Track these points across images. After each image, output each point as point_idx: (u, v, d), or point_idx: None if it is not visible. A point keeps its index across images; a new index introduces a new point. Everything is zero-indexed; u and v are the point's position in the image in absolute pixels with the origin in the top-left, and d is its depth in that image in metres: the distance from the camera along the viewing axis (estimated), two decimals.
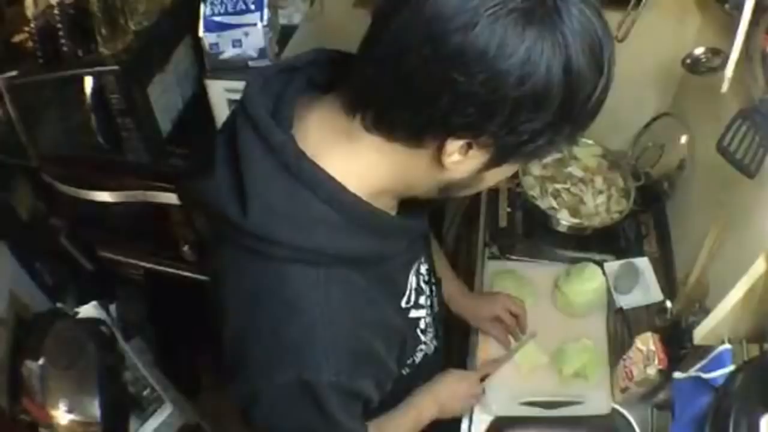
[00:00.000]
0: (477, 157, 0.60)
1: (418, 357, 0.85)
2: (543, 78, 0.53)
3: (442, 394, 1.00)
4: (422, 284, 0.82)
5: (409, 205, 0.72)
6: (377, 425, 0.85)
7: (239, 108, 0.65)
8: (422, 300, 0.82)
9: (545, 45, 0.53)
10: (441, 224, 1.82)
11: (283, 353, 0.63)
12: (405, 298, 0.77)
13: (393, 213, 0.70)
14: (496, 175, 0.65)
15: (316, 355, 0.62)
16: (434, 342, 0.91)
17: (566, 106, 0.56)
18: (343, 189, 0.62)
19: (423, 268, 0.84)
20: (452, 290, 1.18)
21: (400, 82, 0.56)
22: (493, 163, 0.61)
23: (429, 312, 0.86)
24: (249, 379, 0.66)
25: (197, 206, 1.32)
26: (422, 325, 0.82)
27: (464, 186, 0.65)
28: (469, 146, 0.58)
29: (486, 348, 1.23)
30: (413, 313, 0.79)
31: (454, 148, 0.58)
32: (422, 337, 0.83)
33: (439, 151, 0.59)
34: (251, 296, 0.65)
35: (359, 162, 0.63)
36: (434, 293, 0.89)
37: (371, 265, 0.67)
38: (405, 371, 0.83)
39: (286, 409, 0.66)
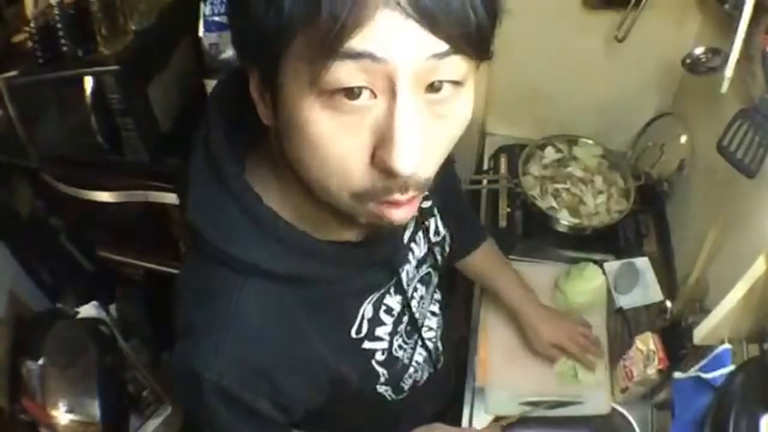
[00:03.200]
0: (264, 95, 0.53)
1: (407, 384, 0.82)
2: None
3: None
4: (383, 315, 0.76)
5: (384, 230, 0.67)
6: None
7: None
8: (381, 332, 0.76)
9: None
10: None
11: (185, 332, 0.64)
12: (355, 328, 0.72)
13: (353, 233, 0.67)
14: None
15: (208, 349, 0.62)
16: (429, 369, 0.88)
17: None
18: (258, 201, 0.60)
19: (391, 300, 0.76)
20: (518, 293, 1.15)
21: None
22: (273, 88, 0.51)
23: (404, 345, 0.81)
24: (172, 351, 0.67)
25: None
26: (381, 356, 0.77)
27: (298, 146, 0.52)
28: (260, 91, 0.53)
29: (486, 346, 1.23)
30: (367, 345, 0.74)
31: (254, 92, 0.54)
32: (380, 369, 0.77)
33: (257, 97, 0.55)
34: (182, 280, 0.68)
35: (279, 171, 0.61)
36: (429, 325, 0.86)
37: (298, 286, 0.64)
38: (390, 397, 0.80)
39: (176, 385, 0.67)
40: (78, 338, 1.51)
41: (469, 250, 1.12)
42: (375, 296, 0.74)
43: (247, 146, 0.63)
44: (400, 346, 0.80)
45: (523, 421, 1.14)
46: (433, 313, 0.88)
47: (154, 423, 1.59)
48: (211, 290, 0.63)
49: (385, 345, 0.77)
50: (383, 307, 0.76)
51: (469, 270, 1.16)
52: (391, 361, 0.78)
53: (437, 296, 0.90)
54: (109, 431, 1.48)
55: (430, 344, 0.87)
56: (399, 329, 0.79)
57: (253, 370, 0.63)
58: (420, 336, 0.85)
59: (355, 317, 0.72)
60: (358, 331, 0.72)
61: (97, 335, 1.55)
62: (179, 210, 1.43)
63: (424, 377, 0.87)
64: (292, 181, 0.57)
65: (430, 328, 0.88)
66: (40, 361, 1.46)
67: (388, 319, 0.76)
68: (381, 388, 0.79)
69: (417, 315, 0.83)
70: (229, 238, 0.61)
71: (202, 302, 0.64)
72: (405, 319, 0.80)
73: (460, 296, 1.36)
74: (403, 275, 0.78)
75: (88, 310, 1.63)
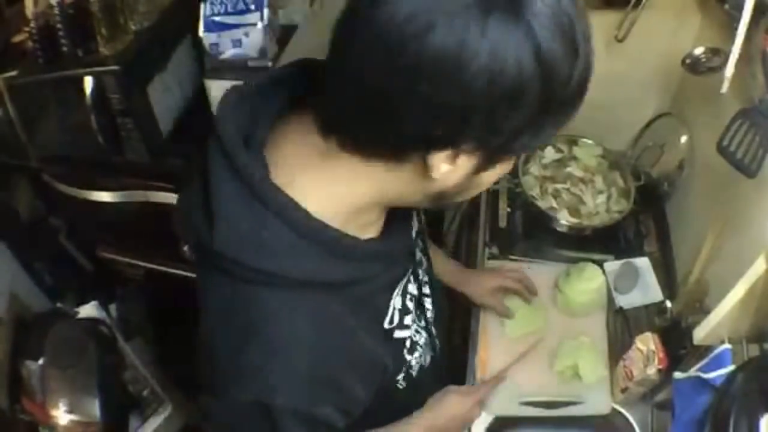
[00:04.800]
0: (465, 164, 0.57)
1: (414, 370, 0.84)
2: (514, 73, 0.49)
3: (440, 419, 0.97)
4: (408, 303, 0.79)
5: (395, 215, 0.70)
6: None
7: (214, 123, 0.63)
8: (408, 320, 0.79)
9: (510, 36, 0.48)
10: (441, 224, 1.82)
11: (243, 374, 0.62)
12: (387, 320, 0.74)
13: (373, 228, 0.68)
14: (492, 176, 0.62)
15: (275, 379, 0.61)
16: (429, 354, 0.89)
17: (544, 96, 0.51)
18: (306, 214, 0.59)
19: (411, 287, 0.80)
20: (450, 267, 1.19)
21: (364, 102, 0.54)
22: (483, 166, 0.58)
23: (421, 327, 0.84)
24: (210, 393, 0.66)
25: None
26: (408, 344, 0.80)
27: (459, 192, 0.62)
28: (455, 155, 0.55)
29: (486, 346, 1.23)
30: (398, 334, 0.77)
31: (438, 160, 0.55)
32: (408, 357, 0.81)
33: (423, 166, 0.56)
34: (219, 314, 0.65)
35: (337, 183, 0.61)
36: (426, 307, 0.87)
37: (343, 289, 0.65)
38: (401, 386, 0.82)
39: (241, 427, 0.66)
40: (78, 338, 1.51)
41: None
42: (401, 286, 0.77)
43: (263, 155, 0.62)
44: (416, 331, 0.82)
45: (523, 421, 1.14)
46: (427, 295, 0.90)
47: (154, 423, 1.59)
48: (258, 317, 0.62)
49: (411, 332, 0.80)
50: (407, 296, 0.79)
51: None
52: (413, 347, 0.81)
53: (426, 278, 0.91)
54: (109, 431, 1.48)
55: (431, 327, 0.89)
56: (416, 315, 0.82)
57: (320, 382, 0.64)
58: (425, 318, 0.86)
59: (388, 309, 0.74)
60: (391, 322, 0.75)
61: (97, 335, 1.55)
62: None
63: (428, 361, 0.89)
64: (362, 190, 0.61)
65: (429, 310, 0.90)
66: (40, 361, 1.46)
67: (411, 307, 0.79)
68: (399, 376, 0.81)
69: (423, 299, 0.86)
70: (277, 256, 0.59)
71: (251, 336, 0.62)
72: (427, 302, 0.84)
73: (460, 296, 1.35)
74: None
75: (88, 310, 1.63)
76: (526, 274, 1.26)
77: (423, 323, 0.86)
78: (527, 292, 1.26)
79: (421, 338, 0.85)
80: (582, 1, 0.54)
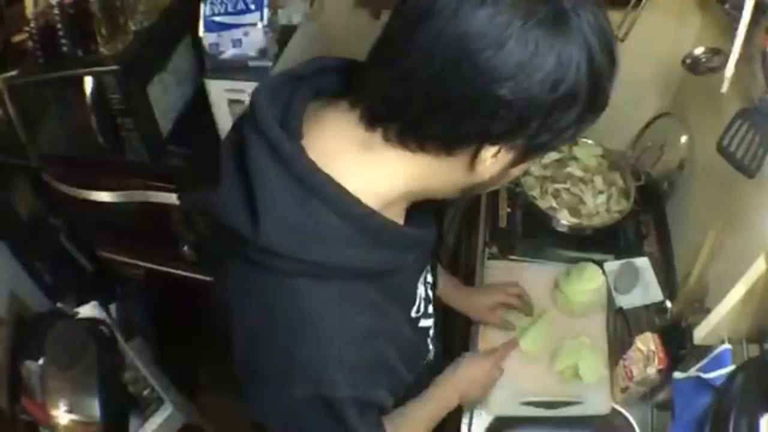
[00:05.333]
0: (505, 158, 0.61)
1: (421, 363, 0.85)
2: (573, 79, 0.56)
3: (462, 383, 1.01)
4: (429, 293, 0.82)
5: (413, 208, 0.71)
6: (395, 423, 0.85)
7: (248, 117, 0.63)
8: (430, 309, 0.82)
9: (572, 48, 0.55)
10: (441, 224, 1.82)
11: (298, 370, 0.63)
12: (415, 308, 0.77)
13: (401, 220, 0.70)
14: (520, 170, 0.66)
15: (331, 371, 0.62)
16: (436, 345, 0.90)
17: (591, 100, 0.59)
18: (356, 201, 0.61)
19: (429, 277, 0.83)
20: (449, 285, 1.19)
21: (433, 100, 0.57)
22: (521, 159, 0.63)
23: (432, 317, 0.85)
24: (265, 396, 0.66)
25: (201, 214, 1.33)
26: (431, 333, 0.83)
27: (490, 184, 0.67)
28: (500, 149, 0.60)
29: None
30: (423, 323, 0.79)
31: (488, 154, 0.60)
32: (430, 346, 0.84)
33: (473, 158, 0.60)
34: (262, 313, 0.64)
35: (377, 173, 0.63)
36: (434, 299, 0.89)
37: (383, 278, 0.67)
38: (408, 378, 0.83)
39: (304, 423, 0.66)
40: (78, 338, 1.51)
41: None
42: (423, 275, 0.79)
43: (302, 146, 0.63)
44: (434, 321, 0.84)
45: (523, 421, 1.14)
46: (434, 286, 0.91)
47: (154, 423, 1.59)
48: (306, 310, 0.62)
49: (432, 321, 0.82)
50: (428, 285, 0.81)
51: None
52: (433, 336, 0.84)
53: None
54: (109, 431, 1.48)
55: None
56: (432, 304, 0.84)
57: (374, 367, 0.66)
58: (435, 307, 0.87)
59: (414, 297, 0.77)
60: (418, 310, 0.77)
61: (97, 335, 1.55)
62: (179, 210, 1.44)
63: (433, 353, 0.89)
64: (398, 181, 0.63)
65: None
66: (40, 361, 1.46)
67: (431, 295, 0.82)
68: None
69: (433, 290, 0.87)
70: (326, 246, 0.60)
71: (302, 329, 0.62)
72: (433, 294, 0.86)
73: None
74: None
75: (88, 310, 1.63)
76: (523, 289, 1.26)
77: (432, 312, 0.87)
78: (525, 306, 1.25)
79: (434, 328, 0.87)
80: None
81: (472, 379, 1.03)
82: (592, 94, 0.58)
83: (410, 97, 0.57)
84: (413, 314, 0.76)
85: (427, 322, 0.80)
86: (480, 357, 1.06)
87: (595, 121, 0.64)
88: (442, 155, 0.60)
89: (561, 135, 0.60)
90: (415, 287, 0.77)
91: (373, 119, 0.61)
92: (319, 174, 0.60)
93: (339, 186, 0.60)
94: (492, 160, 0.61)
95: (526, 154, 0.62)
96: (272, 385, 0.65)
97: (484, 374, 1.06)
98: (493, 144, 0.59)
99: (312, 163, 0.60)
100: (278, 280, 0.61)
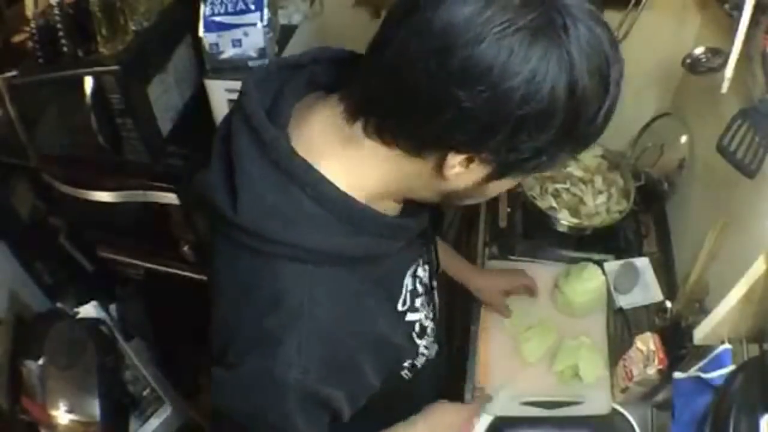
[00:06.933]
0: (478, 170, 0.60)
1: (420, 361, 0.84)
2: (546, 98, 0.52)
3: (438, 426, 0.97)
4: (419, 286, 0.81)
5: (410, 201, 0.71)
6: None
7: (237, 102, 0.65)
8: (418, 303, 0.80)
9: (550, 65, 0.52)
10: (441, 224, 1.82)
11: (259, 342, 0.63)
12: (401, 301, 0.76)
13: (395, 214, 0.70)
14: (499, 187, 0.65)
15: (289, 349, 0.62)
16: (435, 346, 0.90)
17: (569, 125, 0.55)
18: (333, 188, 0.62)
19: (421, 271, 0.82)
20: (459, 262, 1.21)
21: (403, 94, 0.56)
22: (495, 176, 0.61)
23: (428, 315, 0.85)
24: (223, 362, 0.66)
25: (196, 204, 1.34)
26: (418, 328, 0.81)
27: (466, 196, 0.66)
28: (470, 160, 0.59)
29: (486, 346, 1.23)
30: (409, 317, 0.78)
31: (455, 161, 0.59)
32: (418, 341, 0.82)
33: (440, 162, 0.59)
34: (239, 288, 0.66)
35: (359, 166, 0.64)
36: (434, 296, 0.88)
37: (364, 266, 0.67)
38: (406, 376, 0.83)
39: (247, 395, 0.66)
40: (78, 338, 1.51)
41: None
42: (413, 268, 0.79)
43: (287, 133, 0.64)
44: (426, 316, 0.83)
45: (523, 421, 1.14)
46: (434, 288, 0.90)
47: (154, 423, 1.60)
48: (280, 290, 0.62)
49: (421, 316, 0.81)
50: (417, 279, 0.80)
51: None
52: (423, 331, 0.82)
53: (434, 270, 0.92)
54: (109, 431, 1.48)
55: (437, 318, 0.90)
56: (425, 301, 0.83)
57: (336, 364, 0.65)
58: (434, 305, 0.87)
59: (401, 289, 0.76)
60: (404, 303, 0.76)
61: (97, 335, 1.56)
62: (179, 210, 1.44)
63: (433, 354, 0.89)
64: (379, 175, 0.64)
65: (436, 302, 0.90)
66: (40, 361, 1.47)
67: (421, 290, 0.81)
68: (406, 362, 0.81)
69: (432, 289, 0.87)
70: (302, 228, 0.61)
71: (272, 306, 0.63)
72: (433, 291, 0.85)
73: (460, 297, 1.35)
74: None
75: (88, 310, 1.63)
76: (533, 280, 1.27)
77: (432, 313, 0.87)
78: (530, 292, 1.28)
79: (430, 325, 0.86)
80: (619, 49, 0.57)
81: (450, 423, 0.99)
82: (570, 121, 0.54)
83: (385, 90, 0.58)
84: (400, 307, 0.76)
85: (413, 316, 0.79)
86: (458, 406, 1.01)
87: (579, 152, 0.62)
88: (413, 154, 0.60)
89: (535, 158, 0.58)
90: (402, 279, 0.76)
91: (353, 110, 0.62)
92: (298, 161, 0.61)
93: (318, 173, 0.61)
94: (460, 169, 0.59)
95: (498, 171, 0.60)
96: (232, 354, 0.65)
97: (460, 421, 1.02)
98: (459, 152, 0.58)
99: (292, 151, 0.61)
100: (256, 259, 0.63)
